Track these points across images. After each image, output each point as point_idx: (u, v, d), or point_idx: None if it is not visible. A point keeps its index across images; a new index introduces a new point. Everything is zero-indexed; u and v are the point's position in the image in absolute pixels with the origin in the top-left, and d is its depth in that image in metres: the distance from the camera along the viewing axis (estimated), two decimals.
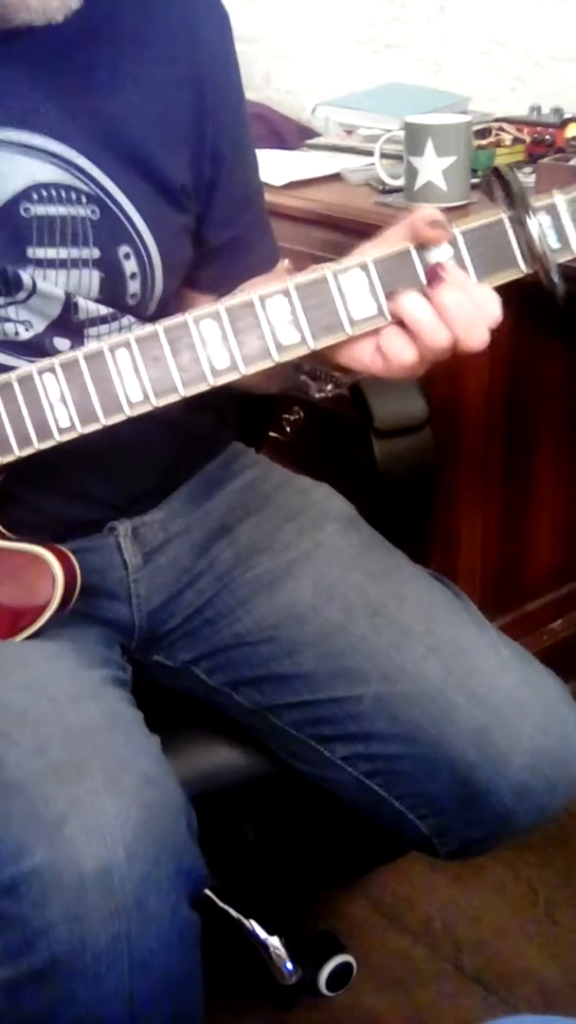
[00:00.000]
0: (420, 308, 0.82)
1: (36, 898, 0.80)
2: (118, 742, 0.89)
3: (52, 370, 0.88)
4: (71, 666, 0.97)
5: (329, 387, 0.91)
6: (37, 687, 0.93)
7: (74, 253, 0.97)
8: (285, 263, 1.14)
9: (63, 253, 0.97)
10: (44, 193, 0.95)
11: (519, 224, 0.82)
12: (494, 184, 0.83)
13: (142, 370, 0.87)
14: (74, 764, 0.85)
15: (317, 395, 0.91)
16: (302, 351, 0.85)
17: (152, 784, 0.86)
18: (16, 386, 0.89)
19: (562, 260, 0.83)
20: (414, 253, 0.84)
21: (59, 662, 0.97)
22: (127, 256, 1.00)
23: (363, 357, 0.86)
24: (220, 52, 1.04)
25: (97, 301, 0.99)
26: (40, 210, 0.95)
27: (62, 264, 0.97)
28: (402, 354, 0.83)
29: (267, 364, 0.86)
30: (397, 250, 0.84)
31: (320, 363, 0.89)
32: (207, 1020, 0.94)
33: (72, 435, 0.89)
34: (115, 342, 0.87)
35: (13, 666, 0.95)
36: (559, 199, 0.82)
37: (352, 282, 0.84)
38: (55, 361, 0.88)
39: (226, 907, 1.43)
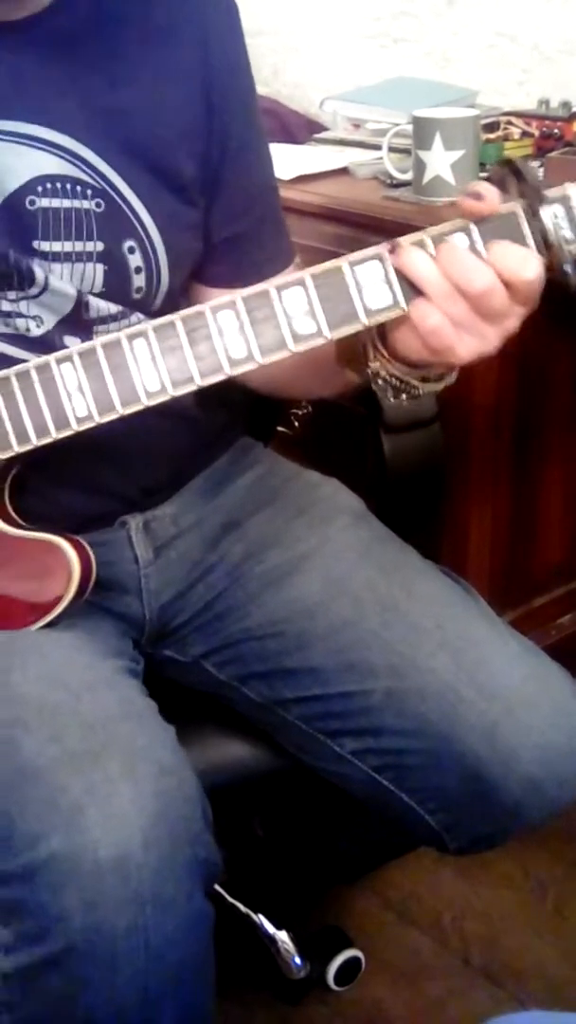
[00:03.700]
0: (423, 260, 0.83)
1: (52, 885, 0.80)
2: (134, 731, 0.89)
3: (70, 359, 0.88)
4: (86, 656, 0.97)
5: (404, 396, 0.91)
6: (53, 676, 0.93)
7: (78, 246, 0.97)
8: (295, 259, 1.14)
9: (67, 246, 0.97)
10: (49, 186, 0.95)
11: (532, 215, 0.82)
12: (506, 175, 0.83)
13: (159, 359, 0.87)
14: (90, 752, 0.85)
15: (393, 400, 0.92)
16: (318, 341, 0.85)
17: (168, 773, 0.86)
18: (34, 375, 0.89)
19: (574, 248, 0.83)
20: (429, 244, 0.84)
21: (74, 651, 0.97)
22: (131, 250, 0.99)
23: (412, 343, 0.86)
24: (229, 45, 1.03)
25: (101, 295, 0.99)
26: (45, 203, 0.95)
27: (67, 257, 0.97)
28: (425, 318, 0.83)
29: (284, 354, 0.86)
30: (413, 241, 0.84)
31: (397, 366, 0.89)
32: (216, 1015, 0.94)
33: (89, 424, 0.89)
34: (133, 331, 0.87)
35: (29, 655, 0.96)
36: (572, 190, 0.82)
37: (368, 272, 0.84)
38: (73, 351, 0.88)
39: (235, 902, 1.43)
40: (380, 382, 0.90)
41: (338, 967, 1.43)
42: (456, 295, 0.82)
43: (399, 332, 0.86)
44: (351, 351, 0.91)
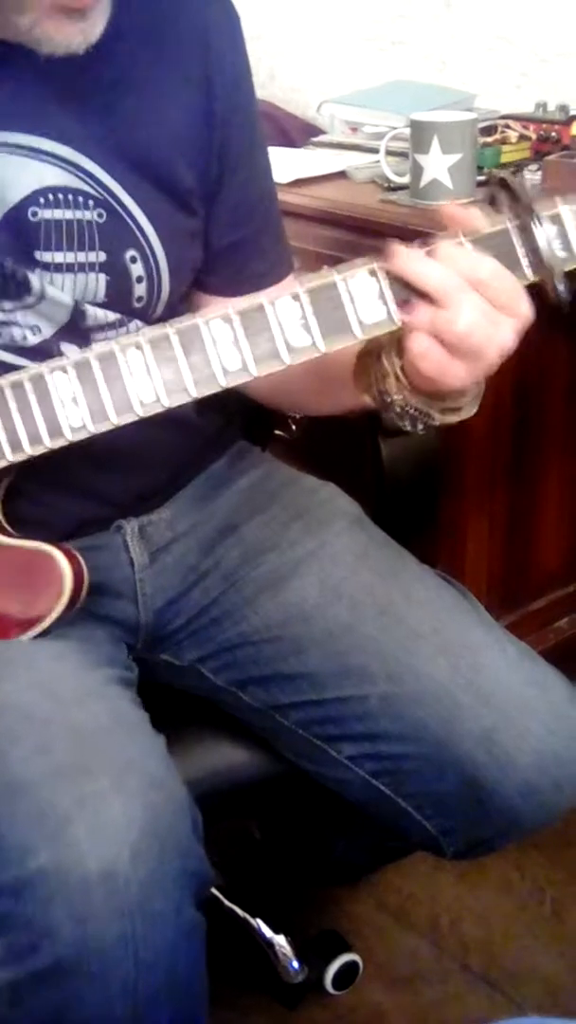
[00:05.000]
0: (423, 261, 0.83)
1: (41, 899, 0.80)
2: (124, 743, 0.89)
3: (64, 369, 0.88)
4: (77, 666, 0.97)
5: (420, 426, 0.91)
6: (43, 687, 0.93)
7: (80, 257, 0.97)
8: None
9: (70, 257, 0.97)
10: (51, 197, 0.95)
11: (525, 232, 0.82)
12: (500, 192, 0.84)
13: (154, 370, 0.87)
14: (80, 765, 0.85)
15: (410, 428, 0.92)
16: (313, 354, 0.86)
17: (157, 785, 0.86)
18: (28, 385, 0.89)
19: (567, 268, 0.83)
20: (420, 251, 0.84)
21: (65, 662, 0.97)
22: (133, 260, 1.00)
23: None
24: (231, 55, 1.03)
25: (103, 305, 0.99)
26: (47, 214, 0.95)
27: (69, 268, 0.97)
28: (453, 321, 0.82)
29: (278, 366, 0.86)
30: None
31: (420, 398, 0.89)
32: (213, 1019, 0.94)
33: (84, 435, 0.89)
34: (127, 342, 0.87)
35: (19, 666, 0.95)
36: (564, 209, 0.83)
37: (361, 286, 0.84)
38: (67, 361, 0.88)
39: (232, 906, 1.43)
40: (398, 410, 0.90)
41: (336, 971, 1.43)
42: (468, 287, 0.81)
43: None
44: (371, 380, 0.91)
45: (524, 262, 0.83)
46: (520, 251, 0.83)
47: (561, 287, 0.82)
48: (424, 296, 0.83)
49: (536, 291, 0.84)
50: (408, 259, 0.83)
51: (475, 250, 0.83)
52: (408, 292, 0.84)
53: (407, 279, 0.83)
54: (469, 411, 0.92)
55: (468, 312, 0.82)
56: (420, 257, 0.83)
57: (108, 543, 1.09)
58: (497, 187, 0.84)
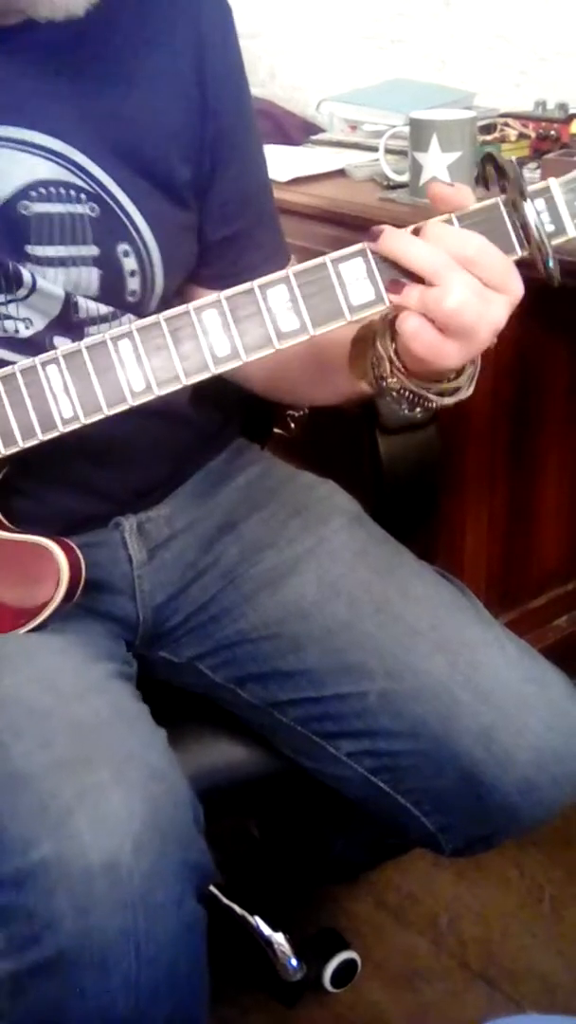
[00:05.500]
0: (411, 240, 0.82)
1: (43, 890, 0.80)
2: (124, 735, 0.89)
3: (55, 361, 0.88)
4: (77, 660, 0.97)
5: (418, 410, 0.91)
6: (43, 681, 0.93)
7: (73, 251, 0.97)
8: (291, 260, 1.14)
9: (62, 251, 0.97)
10: (43, 191, 0.95)
11: (514, 208, 0.82)
12: (489, 170, 0.83)
13: (144, 360, 0.87)
14: (81, 757, 0.85)
15: (407, 412, 0.91)
16: (302, 338, 0.85)
17: (158, 777, 0.86)
18: (19, 377, 0.89)
19: (557, 241, 0.83)
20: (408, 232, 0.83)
21: (65, 656, 0.97)
22: (126, 254, 0.99)
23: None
24: (223, 47, 1.03)
25: (96, 299, 0.99)
26: (39, 208, 0.95)
27: (61, 262, 0.97)
28: (442, 299, 0.81)
29: (268, 351, 0.86)
30: None
31: (414, 381, 0.88)
32: (212, 1017, 0.94)
33: (75, 425, 0.89)
34: (117, 333, 0.87)
35: (18, 660, 0.95)
36: (553, 183, 0.83)
37: (350, 267, 0.84)
38: (58, 352, 0.88)
39: (231, 904, 1.43)
40: (394, 394, 0.90)
41: (334, 969, 1.43)
42: (457, 265, 0.80)
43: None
44: (366, 365, 0.91)
45: (513, 237, 0.83)
46: (509, 226, 0.83)
47: (551, 262, 0.82)
48: (413, 276, 0.82)
49: (538, 285, 0.84)
50: (395, 239, 0.82)
51: (463, 227, 0.82)
52: (397, 272, 0.83)
53: (395, 259, 0.82)
54: (466, 392, 0.91)
55: (458, 290, 0.81)
56: (407, 236, 0.82)
57: (106, 540, 1.09)
58: (487, 165, 0.84)
